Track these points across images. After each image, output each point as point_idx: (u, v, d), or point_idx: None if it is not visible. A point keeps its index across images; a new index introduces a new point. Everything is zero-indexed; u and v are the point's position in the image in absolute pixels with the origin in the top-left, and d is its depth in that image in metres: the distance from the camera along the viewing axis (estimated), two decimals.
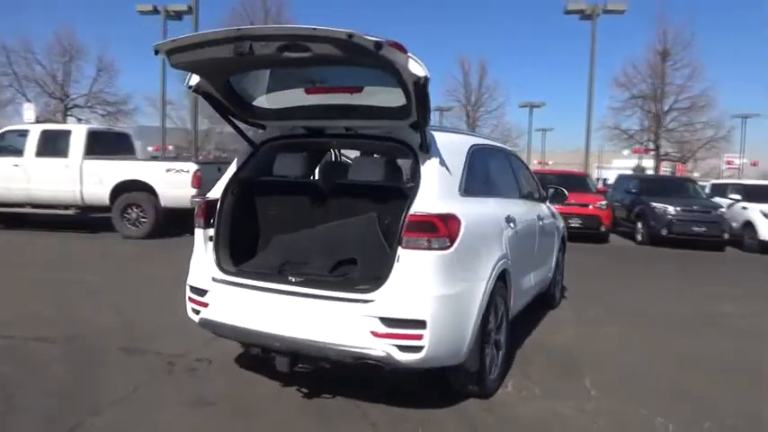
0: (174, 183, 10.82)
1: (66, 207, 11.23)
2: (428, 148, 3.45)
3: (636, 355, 4.81)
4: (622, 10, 22.57)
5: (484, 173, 4.23)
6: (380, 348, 3.10)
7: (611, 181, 24.45)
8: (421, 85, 3.03)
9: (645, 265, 10.53)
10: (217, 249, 3.70)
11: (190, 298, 3.77)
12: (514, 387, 3.94)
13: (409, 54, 2.94)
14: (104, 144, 11.69)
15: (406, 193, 3.41)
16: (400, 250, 3.17)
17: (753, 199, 13.24)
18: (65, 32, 33.16)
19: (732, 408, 3.75)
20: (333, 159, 4.68)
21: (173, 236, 10.72)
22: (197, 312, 3.71)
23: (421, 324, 3.10)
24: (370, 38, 2.73)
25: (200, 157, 23.48)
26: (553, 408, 3.64)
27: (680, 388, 4.08)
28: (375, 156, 4.00)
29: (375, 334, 3.11)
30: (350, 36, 2.71)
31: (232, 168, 3.96)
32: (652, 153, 33.37)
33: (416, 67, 2.97)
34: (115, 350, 4.41)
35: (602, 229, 12.88)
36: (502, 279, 3.82)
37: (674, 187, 14.79)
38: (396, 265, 3.17)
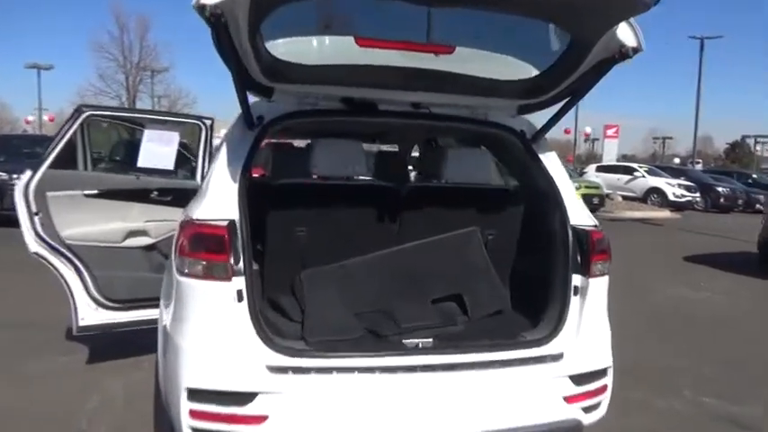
0: None
1: None
2: (539, 139, 2.64)
3: None
4: None
5: None
6: (572, 416, 2.32)
7: None
8: (620, 57, 2.08)
9: None
10: (255, 313, 2.10)
11: (199, 413, 2.06)
12: None
13: None
14: None
15: (516, 197, 2.71)
16: (581, 279, 2.35)
17: None
18: None
19: None
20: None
21: None
22: None
23: (605, 373, 2.42)
24: None
25: None
26: None
27: None
28: (474, 149, 2.96)
29: (567, 399, 2.32)
30: None
31: (224, 164, 2.29)
32: None
33: (629, 35, 2.02)
34: None
35: None
36: None
37: None
38: (574, 299, 2.34)
